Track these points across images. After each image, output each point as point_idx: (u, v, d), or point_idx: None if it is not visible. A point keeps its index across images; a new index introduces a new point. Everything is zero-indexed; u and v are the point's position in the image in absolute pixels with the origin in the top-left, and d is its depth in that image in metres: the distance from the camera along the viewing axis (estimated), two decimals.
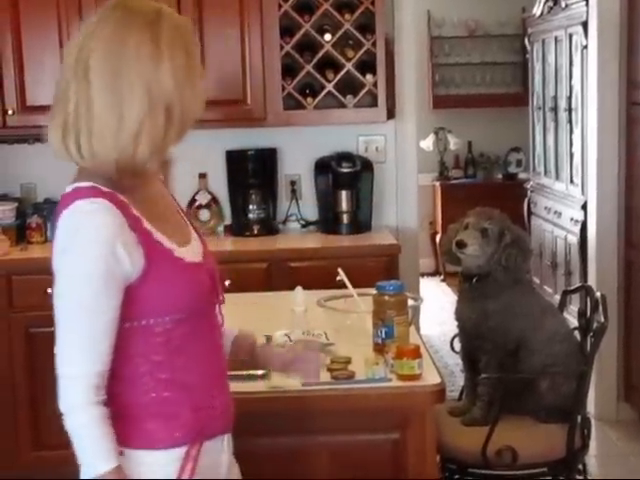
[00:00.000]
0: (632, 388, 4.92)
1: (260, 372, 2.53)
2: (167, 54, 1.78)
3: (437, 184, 8.60)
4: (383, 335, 2.66)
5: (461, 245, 3.12)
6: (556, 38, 6.11)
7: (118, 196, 1.80)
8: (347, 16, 4.61)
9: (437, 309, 7.24)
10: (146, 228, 1.83)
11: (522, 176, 8.23)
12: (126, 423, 1.84)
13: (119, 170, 1.80)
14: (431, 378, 2.51)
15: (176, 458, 1.87)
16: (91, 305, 1.76)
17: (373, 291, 2.76)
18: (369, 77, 4.64)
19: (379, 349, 2.65)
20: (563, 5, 5.75)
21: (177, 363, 1.87)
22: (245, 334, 2.23)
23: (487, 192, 7.95)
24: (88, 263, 1.75)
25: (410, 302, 2.80)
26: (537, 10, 6.46)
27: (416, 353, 2.49)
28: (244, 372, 2.49)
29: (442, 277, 8.55)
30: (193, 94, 1.83)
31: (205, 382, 1.92)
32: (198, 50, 1.88)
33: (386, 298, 2.69)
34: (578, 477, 3.11)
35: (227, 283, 4.04)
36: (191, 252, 1.93)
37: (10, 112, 4.49)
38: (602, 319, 3.08)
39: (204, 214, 4.86)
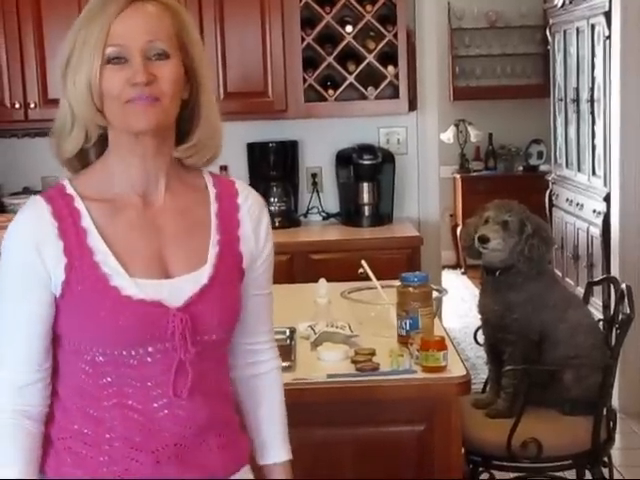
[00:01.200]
0: None
1: (285, 364, 2.52)
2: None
3: (458, 176, 8.57)
4: (407, 327, 2.65)
5: (484, 240, 3.09)
6: (578, 29, 6.07)
7: (73, 202, 1.66)
8: (368, 7, 4.60)
9: (458, 302, 7.22)
10: (88, 244, 1.64)
11: (543, 168, 8.19)
12: (47, 449, 1.69)
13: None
14: (456, 370, 2.50)
15: None
16: (6, 301, 1.67)
17: (395, 283, 2.75)
18: (390, 69, 4.63)
19: (403, 341, 2.64)
20: None
21: (105, 404, 1.67)
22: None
23: (508, 184, 7.92)
24: (5, 254, 1.67)
25: (434, 294, 2.79)
26: (558, 1, 6.42)
27: (441, 345, 2.48)
28: None
29: (463, 270, 8.51)
30: (74, 87, 1.69)
31: (128, 441, 1.67)
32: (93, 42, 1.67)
33: (411, 290, 2.68)
34: (603, 469, 3.09)
35: None
36: (154, 287, 1.66)
37: (32, 105, 4.50)
38: (628, 310, 3.06)
39: None
